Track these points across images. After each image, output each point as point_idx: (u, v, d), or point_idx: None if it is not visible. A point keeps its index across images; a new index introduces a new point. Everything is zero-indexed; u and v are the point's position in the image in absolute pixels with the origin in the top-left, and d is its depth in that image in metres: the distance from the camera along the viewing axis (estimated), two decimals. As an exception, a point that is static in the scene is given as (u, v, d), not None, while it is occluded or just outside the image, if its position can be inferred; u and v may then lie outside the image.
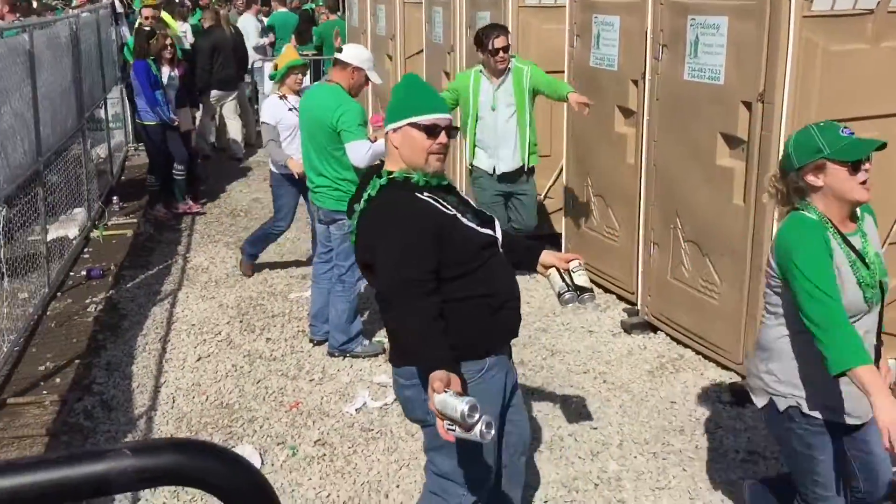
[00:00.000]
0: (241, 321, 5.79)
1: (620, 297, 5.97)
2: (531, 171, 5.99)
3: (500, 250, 2.80)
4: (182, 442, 0.76)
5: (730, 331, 4.74)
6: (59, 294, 6.31)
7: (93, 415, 4.55)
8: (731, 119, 4.56)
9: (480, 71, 5.84)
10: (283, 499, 3.77)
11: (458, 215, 2.69)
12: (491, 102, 5.80)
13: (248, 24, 12.11)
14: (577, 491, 3.85)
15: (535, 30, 6.78)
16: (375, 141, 4.99)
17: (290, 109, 5.91)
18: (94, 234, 7.72)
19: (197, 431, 4.35)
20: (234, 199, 9.01)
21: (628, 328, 5.53)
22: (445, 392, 2.22)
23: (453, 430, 2.26)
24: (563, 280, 2.95)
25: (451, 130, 2.75)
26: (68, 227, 7.46)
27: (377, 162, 3.84)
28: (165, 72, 8.11)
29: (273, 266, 6.92)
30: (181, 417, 4.50)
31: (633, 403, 4.62)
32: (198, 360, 5.19)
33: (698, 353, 5.12)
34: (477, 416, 2.18)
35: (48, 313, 5.95)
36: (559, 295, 2.94)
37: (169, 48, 8.12)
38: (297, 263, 6.99)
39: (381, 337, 5.48)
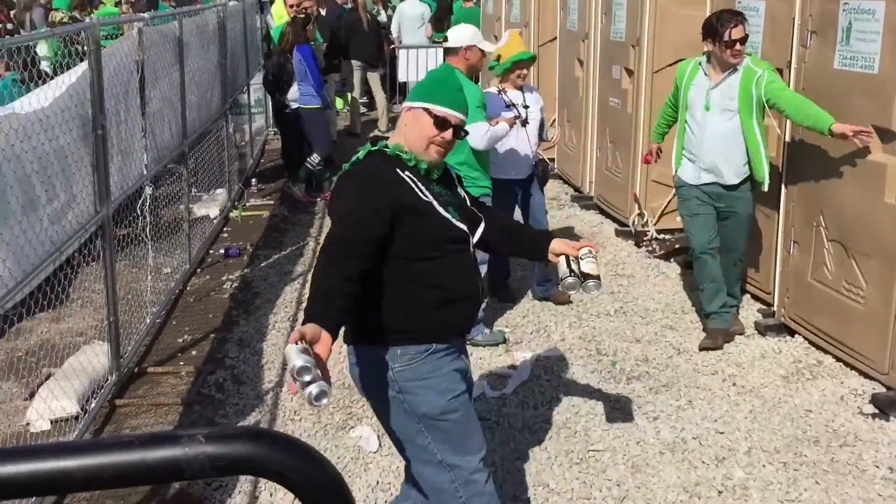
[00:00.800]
0: (366, 304, 5.89)
1: (755, 297, 5.68)
2: (752, 186, 4.92)
3: (472, 250, 2.82)
4: (256, 431, 0.75)
5: (875, 338, 4.41)
6: (198, 270, 6.64)
7: (224, 388, 4.75)
8: (885, 111, 4.22)
9: (700, 63, 4.94)
10: (396, 482, 3.82)
11: (435, 203, 2.68)
12: (704, 101, 4.87)
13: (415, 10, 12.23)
14: (699, 497, 3.69)
15: (673, 15, 6.53)
16: (496, 125, 4.95)
17: (507, 106, 5.34)
18: (234, 214, 8.08)
19: (319, 410, 4.46)
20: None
21: (762, 330, 5.25)
22: (297, 344, 2.12)
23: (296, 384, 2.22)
24: (569, 266, 2.88)
25: (460, 130, 2.77)
26: (210, 207, 7.84)
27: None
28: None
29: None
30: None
31: (765, 409, 4.38)
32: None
33: (839, 359, 4.80)
34: (308, 377, 2.03)
35: (188, 288, 6.27)
36: (561, 280, 2.88)
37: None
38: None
39: (503, 326, 5.45)
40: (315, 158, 8.31)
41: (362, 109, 11.86)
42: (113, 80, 4.64)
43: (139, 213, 5.68)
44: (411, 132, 2.74)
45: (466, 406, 2.81)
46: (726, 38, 4.67)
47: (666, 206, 6.89)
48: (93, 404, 4.32)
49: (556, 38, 8.99)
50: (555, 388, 4.67)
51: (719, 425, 4.25)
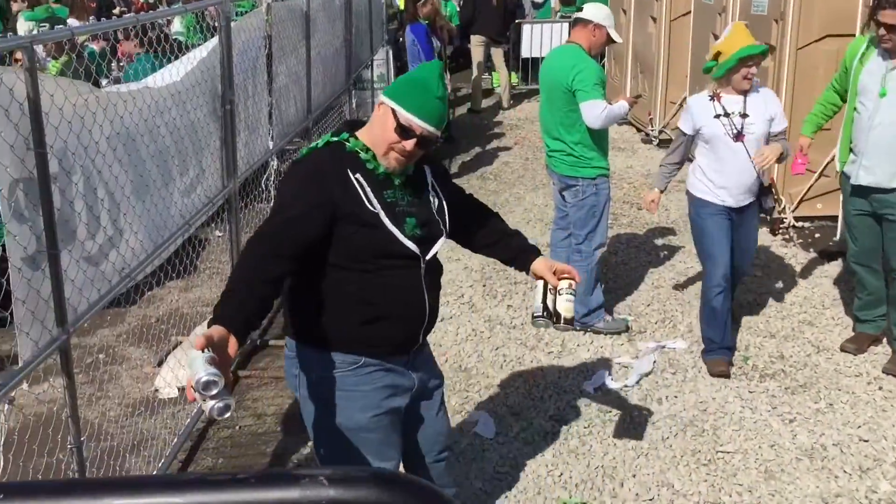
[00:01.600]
0: (483, 286, 5.80)
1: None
2: None
3: (422, 268, 2.53)
4: (385, 476, 0.64)
5: None
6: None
7: (341, 364, 4.76)
8: None
9: (872, 39, 4.28)
10: (513, 471, 3.71)
11: (382, 214, 2.43)
12: (879, 85, 4.20)
13: None
14: (838, 510, 3.41)
15: (824, -14, 6.05)
16: (614, 104, 4.71)
17: (717, 116, 4.31)
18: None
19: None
20: (485, 161, 9.06)
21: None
22: (202, 352, 1.95)
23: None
24: (544, 300, 2.71)
25: (427, 143, 2.47)
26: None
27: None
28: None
29: (520, 231, 6.86)
30: (421, 376, 4.58)
31: (915, 418, 4.02)
32: (440, 320, 5.25)
33: None
34: (213, 391, 1.88)
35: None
36: (532, 315, 2.75)
37: (439, 17, 8.22)
38: (544, 230, 6.87)
39: (626, 314, 5.24)
40: None
41: (483, 86, 11.69)
42: (242, 56, 4.68)
43: (263, 187, 5.76)
44: (376, 130, 2.49)
45: (385, 429, 2.62)
46: (876, 16, 4.13)
47: (806, 193, 6.45)
48: (216, 375, 4.40)
49: (689, 13, 8.56)
50: (680, 383, 4.44)
51: (863, 432, 3.92)
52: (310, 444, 3.99)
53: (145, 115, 3.51)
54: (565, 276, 2.73)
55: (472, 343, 4.96)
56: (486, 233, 2.88)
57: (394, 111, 2.42)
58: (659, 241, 6.51)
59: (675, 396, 4.30)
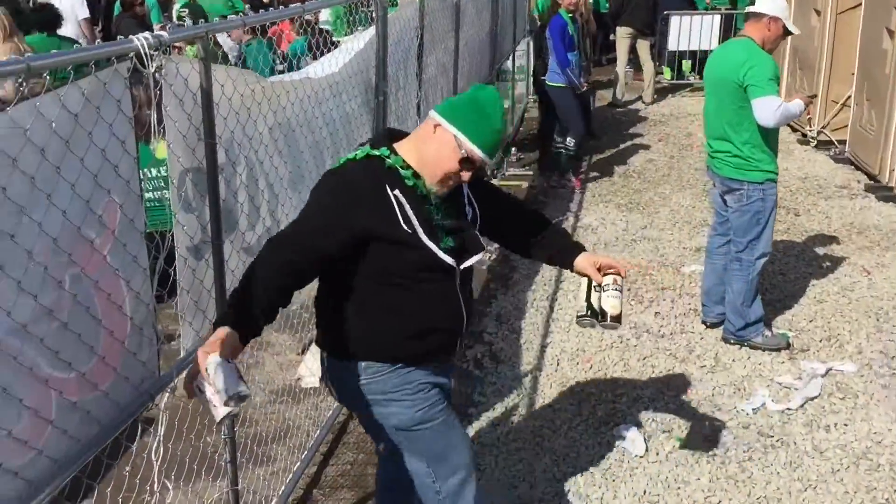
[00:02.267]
0: (629, 289, 5.54)
1: None
2: None
3: (457, 281, 2.49)
4: None
5: None
6: (458, 239, 6.61)
7: (482, 364, 4.64)
8: None
9: None
10: (666, 495, 3.50)
11: (420, 232, 2.37)
12: None
13: None
14: None
15: None
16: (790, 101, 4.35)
17: None
18: (492, 182, 8.00)
19: (580, 401, 4.22)
20: (628, 158, 8.74)
21: None
22: (229, 361, 2.01)
23: (202, 394, 2.06)
24: (588, 298, 2.60)
25: (481, 171, 2.52)
26: (470, 175, 7.82)
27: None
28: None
29: (666, 233, 6.56)
30: (565, 383, 4.40)
31: None
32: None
33: None
34: (243, 405, 2.01)
35: (447, 256, 6.26)
36: (577, 315, 2.64)
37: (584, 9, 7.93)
38: (692, 233, 6.54)
39: (786, 329, 4.88)
40: (570, 142, 7.79)
41: (626, 81, 11.30)
42: (395, 47, 4.62)
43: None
44: (430, 152, 2.39)
45: (445, 415, 2.61)
46: None
47: None
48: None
49: (859, 5, 7.94)
50: (850, 410, 4.08)
51: None
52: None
53: (305, 106, 3.49)
54: (610, 271, 2.62)
55: (617, 351, 4.74)
56: (524, 232, 2.77)
57: (458, 140, 2.34)
58: (820, 251, 6.06)
59: (846, 424, 3.95)
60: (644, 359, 4.64)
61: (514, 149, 9.05)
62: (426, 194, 2.41)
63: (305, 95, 3.48)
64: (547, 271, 5.88)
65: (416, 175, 2.40)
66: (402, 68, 4.86)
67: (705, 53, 11.33)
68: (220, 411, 1.99)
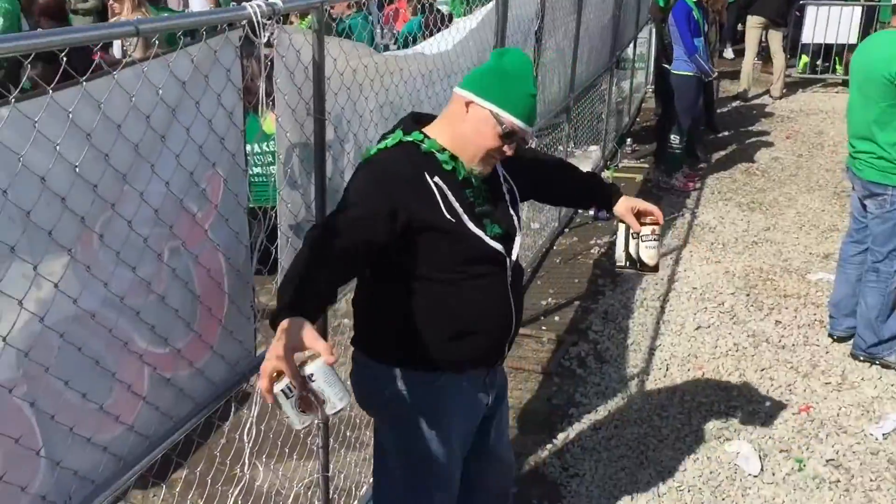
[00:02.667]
0: (747, 294, 5.21)
1: None
2: None
3: (508, 272, 2.30)
4: None
5: None
6: (566, 230, 6.40)
7: (586, 363, 4.44)
8: None
9: None
10: (782, 521, 3.22)
11: (465, 218, 2.19)
12: None
13: None
14: None
15: None
16: None
17: None
18: (606, 174, 7.71)
19: (690, 410, 3.96)
20: (751, 154, 8.27)
21: None
22: (334, 375, 1.74)
23: (288, 396, 1.73)
24: (626, 247, 2.62)
25: (524, 143, 2.30)
26: (583, 164, 7.55)
27: None
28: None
29: (791, 236, 6.15)
30: (674, 389, 4.15)
31: None
32: (697, 328, 4.78)
33: None
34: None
35: (555, 248, 6.06)
36: (615, 264, 2.68)
37: None
38: (820, 238, 6.10)
39: (924, 349, 4.46)
40: (674, 139, 7.32)
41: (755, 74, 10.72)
42: (514, 28, 4.44)
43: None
44: (466, 133, 2.20)
45: (454, 456, 2.38)
46: None
47: None
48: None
49: None
50: None
51: None
52: (548, 446, 3.73)
53: (417, 85, 3.36)
54: (648, 220, 2.60)
55: (732, 359, 4.44)
56: (569, 186, 2.66)
57: (495, 115, 2.15)
58: (966, 266, 5.53)
59: None
60: (762, 370, 4.33)
61: (629, 139, 8.72)
62: (467, 177, 2.23)
63: (419, 73, 3.35)
64: (660, 269, 5.58)
65: (453, 158, 2.22)
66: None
67: (842, 47, 10.66)
68: (307, 419, 1.78)
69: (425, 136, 2.24)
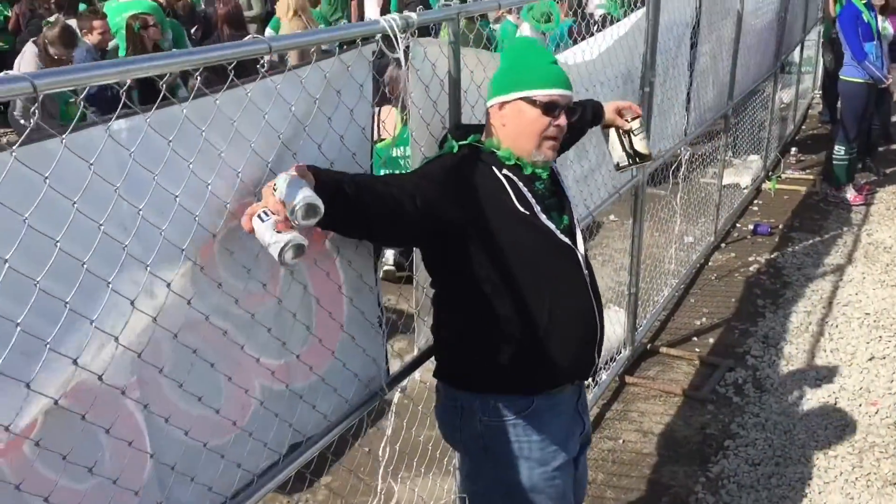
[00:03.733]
0: (929, 319, 4.70)
1: None
2: None
3: (584, 271, 2.19)
4: None
5: None
6: (722, 245, 6.04)
7: (743, 390, 4.13)
8: None
9: None
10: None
11: (538, 209, 2.11)
12: None
13: None
14: None
15: None
16: None
17: None
18: (766, 185, 7.25)
19: (862, 451, 3.59)
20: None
21: None
22: (299, 180, 1.66)
23: (263, 220, 1.63)
24: (623, 146, 2.73)
25: (572, 110, 2.22)
26: (742, 175, 7.14)
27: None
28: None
29: (981, 256, 5.51)
30: (844, 426, 3.78)
31: None
32: (870, 359, 4.35)
33: None
34: (313, 220, 1.64)
35: (710, 264, 5.73)
36: (616, 165, 2.78)
37: None
38: None
39: None
40: (839, 150, 6.69)
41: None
42: (666, 33, 4.21)
43: (670, 176, 5.26)
44: (513, 131, 2.12)
45: (559, 488, 2.20)
46: None
47: None
48: (604, 376, 4.07)
49: None
50: None
51: None
52: (701, 479, 3.48)
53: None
54: (630, 114, 2.69)
55: (912, 393, 4.00)
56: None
57: (528, 99, 2.10)
58: None
59: None
60: (947, 407, 3.87)
61: (794, 148, 8.17)
62: (533, 171, 2.15)
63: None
64: (826, 292, 5.16)
65: (513, 157, 2.15)
66: (672, 57, 4.44)
67: None
68: (276, 238, 1.62)
69: (480, 140, 2.20)
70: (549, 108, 2.10)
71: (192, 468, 1.75)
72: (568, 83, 2.14)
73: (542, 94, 2.09)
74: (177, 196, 1.57)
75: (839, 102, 7.23)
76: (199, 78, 1.61)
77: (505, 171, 2.11)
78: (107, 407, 1.54)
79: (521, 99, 2.10)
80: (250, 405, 1.90)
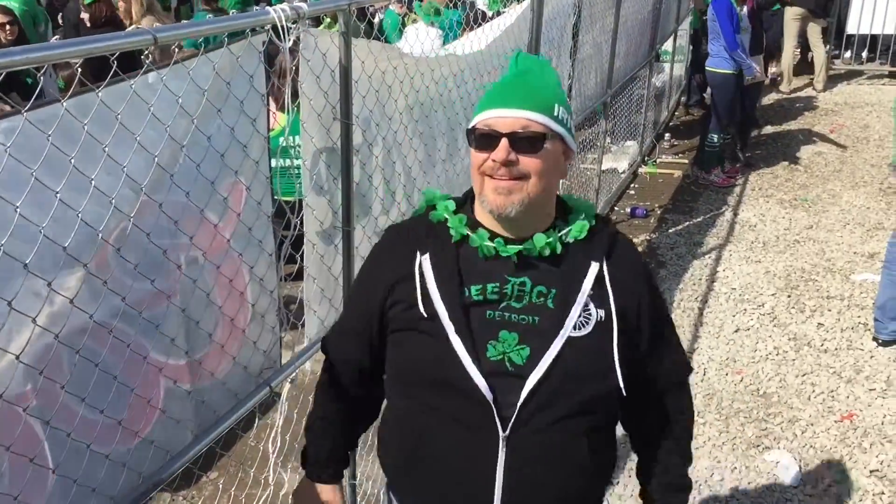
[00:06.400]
0: (788, 295, 5.06)
1: None
2: None
3: (500, 433, 1.51)
4: None
5: None
6: (602, 228, 6.28)
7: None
8: None
9: None
10: (823, 536, 3.11)
11: (445, 318, 1.52)
12: None
13: None
14: None
15: None
16: None
17: None
18: (643, 170, 7.58)
19: (727, 417, 3.86)
20: (793, 150, 8.06)
21: None
22: None
23: None
24: None
25: (534, 141, 1.51)
26: (619, 160, 7.43)
27: None
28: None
29: (834, 235, 5.97)
30: (711, 394, 4.04)
31: None
32: (735, 331, 4.66)
33: None
34: None
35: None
36: None
37: None
38: (865, 237, 5.92)
39: (975, 355, 4.29)
40: (712, 138, 7.06)
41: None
42: (550, 24, 4.35)
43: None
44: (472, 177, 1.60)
45: None
46: None
47: None
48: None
49: None
50: None
51: None
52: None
53: (449, 84, 3.30)
54: None
55: (772, 364, 4.32)
56: (641, 436, 1.79)
57: (471, 131, 1.57)
58: None
59: None
60: (803, 375, 4.20)
61: (667, 135, 8.57)
62: (498, 258, 1.56)
63: (450, 73, 3.28)
64: (697, 269, 5.48)
65: (474, 224, 1.61)
66: (554, 47, 4.58)
67: (889, 38, 10.36)
68: None
69: (461, 203, 1.69)
70: (482, 139, 1.55)
71: (94, 477, 1.73)
72: (526, 101, 1.54)
73: (477, 119, 1.58)
74: (56, 193, 1.54)
75: (709, 92, 7.59)
76: (79, 70, 1.58)
77: (427, 256, 1.59)
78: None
79: (467, 133, 1.60)
80: (154, 411, 1.89)
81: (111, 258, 1.69)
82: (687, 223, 6.35)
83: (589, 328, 1.55)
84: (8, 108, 3.12)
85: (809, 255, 5.65)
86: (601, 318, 1.56)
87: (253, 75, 2.06)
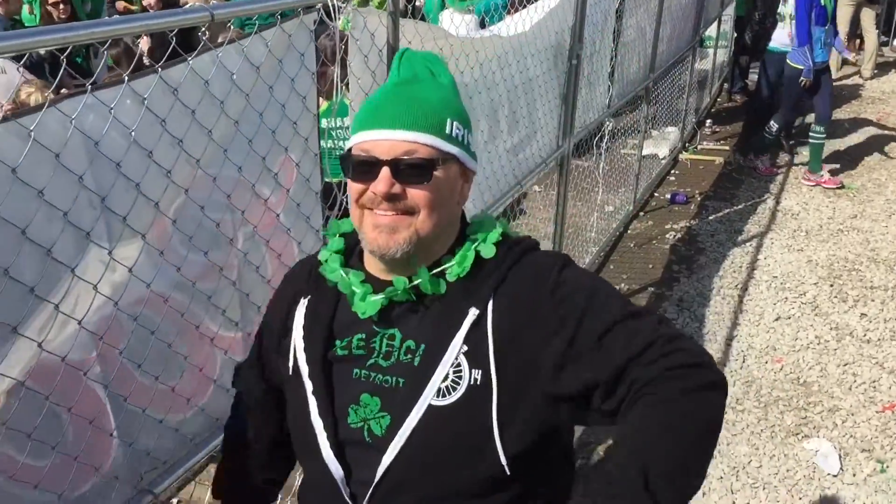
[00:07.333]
0: (831, 285, 5.01)
1: None
2: None
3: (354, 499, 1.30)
4: None
5: None
6: (641, 213, 6.26)
7: (658, 352, 4.34)
8: None
9: None
10: (862, 525, 3.10)
11: (305, 375, 1.33)
12: None
13: None
14: None
15: None
16: None
17: None
18: (683, 156, 7.52)
19: (767, 405, 3.84)
20: (839, 137, 7.92)
21: None
22: None
23: None
24: None
25: (423, 169, 1.25)
26: (660, 146, 7.37)
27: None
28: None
29: (879, 225, 5.88)
30: (751, 382, 4.03)
31: None
32: (776, 319, 4.62)
33: None
34: None
35: (629, 231, 5.93)
36: None
37: None
38: (912, 228, 5.82)
39: None
40: (772, 126, 6.89)
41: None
42: (594, 7, 4.33)
43: (594, 147, 5.42)
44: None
45: None
46: None
47: None
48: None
49: None
50: None
51: None
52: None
53: (493, 66, 3.30)
54: None
55: (813, 353, 4.28)
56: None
57: (346, 158, 1.31)
58: None
59: None
60: (845, 365, 4.16)
61: (709, 121, 8.47)
62: (364, 297, 1.30)
63: (494, 55, 3.29)
64: (737, 257, 5.43)
65: (356, 261, 1.38)
66: (598, 30, 4.56)
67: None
68: None
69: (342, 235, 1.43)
70: (358, 167, 1.28)
71: (150, 442, 1.79)
72: (407, 116, 1.26)
73: (353, 141, 1.30)
74: (119, 165, 1.59)
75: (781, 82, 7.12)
76: (143, 49, 1.62)
77: (308, 299, 1.39)
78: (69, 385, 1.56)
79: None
80: (209, 381, 1.94)
81: (170, 231, 1.74)
82: (727, 210, 6.29)
83: (457, 395, 1.25)
84: (71, 87, 3.20)
85: (853, 245, 5.57)
86: (475, 381, 1.25)
87: (304, 53, 2.10)
